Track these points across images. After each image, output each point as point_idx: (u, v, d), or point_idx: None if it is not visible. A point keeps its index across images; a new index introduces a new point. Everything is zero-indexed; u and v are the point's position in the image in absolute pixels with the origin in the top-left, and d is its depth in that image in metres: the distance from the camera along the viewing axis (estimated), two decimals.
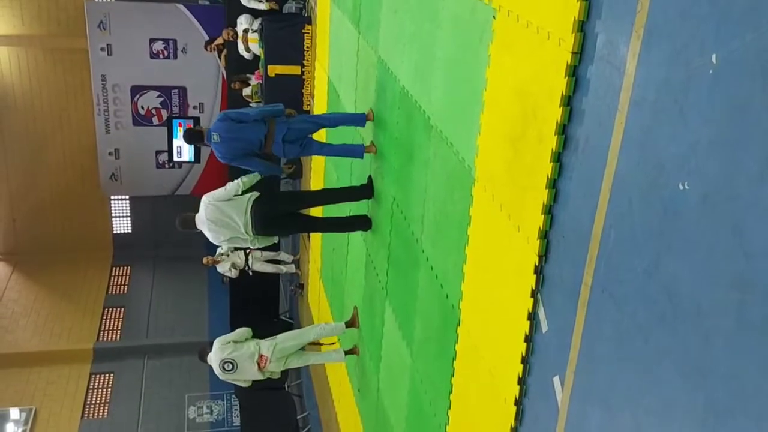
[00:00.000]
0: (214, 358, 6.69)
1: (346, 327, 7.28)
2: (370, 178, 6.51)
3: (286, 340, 6.92)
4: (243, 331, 6.87)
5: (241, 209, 5.95)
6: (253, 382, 6.91)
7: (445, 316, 4.59)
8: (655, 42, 2.48)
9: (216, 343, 6.76)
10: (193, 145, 12.21)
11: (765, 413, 2.01)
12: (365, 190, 6.48)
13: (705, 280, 2.24)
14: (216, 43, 11.96)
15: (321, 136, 7.34)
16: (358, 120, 6.43)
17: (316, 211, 7.94)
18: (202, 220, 6.07)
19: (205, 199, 6.09)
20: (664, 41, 2.44)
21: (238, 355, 6.62)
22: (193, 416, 13.15)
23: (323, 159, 9.09)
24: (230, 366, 6.61)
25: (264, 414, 11.38)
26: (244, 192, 6.03)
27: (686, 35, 2.32)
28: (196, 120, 12.97)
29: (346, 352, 7.34)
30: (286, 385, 11.75)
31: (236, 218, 5.95)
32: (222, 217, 5.97)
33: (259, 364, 6.63)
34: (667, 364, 2.42)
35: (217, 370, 6.71)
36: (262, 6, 10.65)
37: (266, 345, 6.73)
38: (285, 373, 8.36)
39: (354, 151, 6.50)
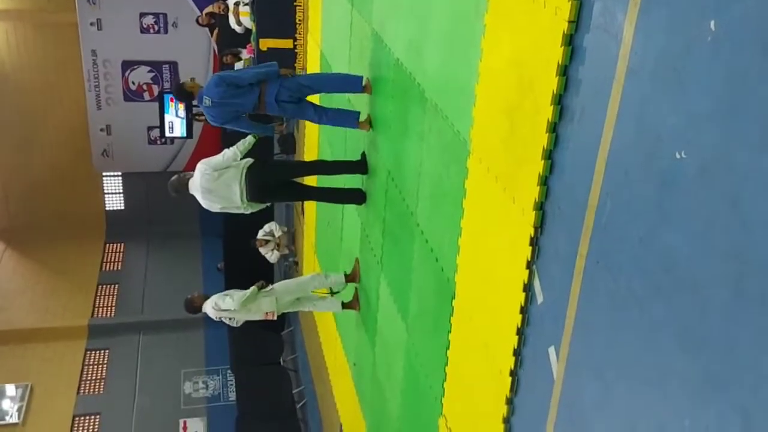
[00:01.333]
0: (211, 313, 6.58)
1: (346, 281, 7.13)
2: (363, 154, 6.46)
3: (284, 294, 6.83)
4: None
5: (236, 177, 5.92)
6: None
7: (441, 289, 4.59)
8: (653, 9, 2.45)
9: (212, 297, 6.64)
10: (184, 120, 12.15)
11: (760, 384, 2.01)
12: (359, 166, 6.45)
13: (702, 250, 2.24)
14: (206, 11, 11.83)
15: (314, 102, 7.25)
16: (355, 83, 6.17)
17: (311, 182, 7.90)
18: (196, 187, 6.03)
19: (201, 166, 6.03)
20: (662, 8, 2.40)
21: (241, 315, 6.60)
22: (189, 391, 13.21)
23: (317, 133, 9.04)
24: (230, 320, 6.63)
25: (260, 389, 11.46)
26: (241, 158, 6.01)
27: (685, 1, 2.29)
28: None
29: (345, 306, 7.16)
30: (281, 360, 11.81)
31: (232, 186, 5.91)
32: (217, 185, 5.94)
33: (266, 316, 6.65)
34: (662, 334, 2.42)
35: (212, 314, 6.63)
36: None
37: (267, 302, 6.64)
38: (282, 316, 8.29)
39: (348, 118, 6.29)
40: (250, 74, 5.89)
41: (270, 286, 6.85)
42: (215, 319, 6.70)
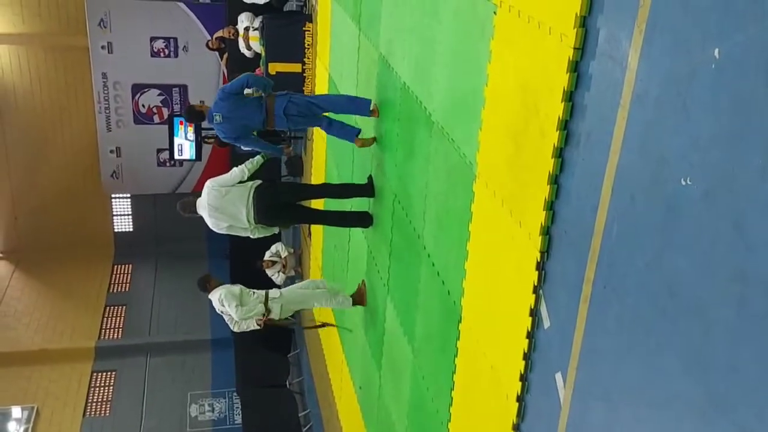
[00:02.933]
0: (216, 305, 6.51)
1: (354, 303, 7.00)
2: (370, 177, 6.49)
3: (290, 303, 6.75)
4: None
5: (243, 196, 5.95)
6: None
7: (447, 312, 4.59)
8: (657, 36, 2.47)
9: (222, 289, 6.54)
10: (193, 142, 12.22)
11: (766, 406, 2.00)
12: (366, 190, 6.47)
13: (706, 273, 2.24)
14: (216, 36, 11.94)
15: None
16: (362, 107, 6.22)
17: (318, 205, 7.93)
18: (203, 205, 6.06)
19: (209, 184, 6.08)
20: (666, 36, 2.43)
21: (239, 326, 6.53)
22: (195, 414, 13.15)
23: (324, 156, 9.09)
24: (228, 320, 6.55)
25: (265, 412, 11.39)
26: (248, 179, 6.04)
27: (689, 29, 2.31)
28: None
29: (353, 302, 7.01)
30: (287, 383, 11.76)
31: (239, 205, 5.94)
32: (224, 203, 5.96)
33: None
34: (668, 358, 2.42)
35: (216, 306, 6.55)
36: None
37: (275, 307, 6.56)
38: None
39: (349, 132, 6.36)
40: (247, 77, 5.97)
41: (279, 293, 6.75)
42: (217, 311, 6.62)
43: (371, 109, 6.12)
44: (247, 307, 6.43)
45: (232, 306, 6.40)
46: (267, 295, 6.62)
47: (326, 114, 6.33)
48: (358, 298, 7.05)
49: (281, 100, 5.93)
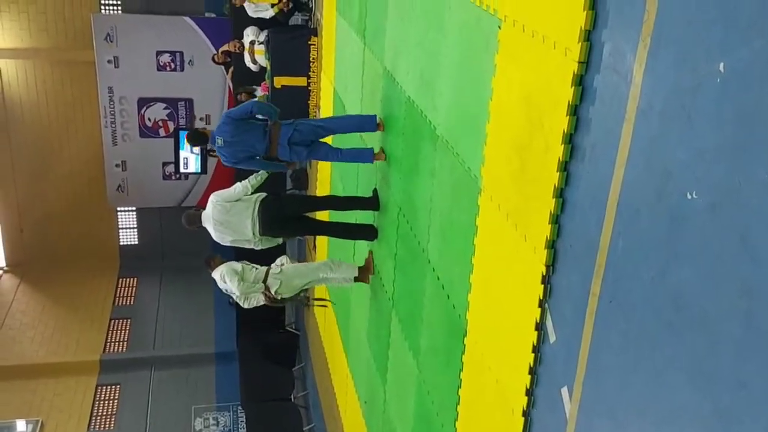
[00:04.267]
0: (219, 283, 6.40)
1: (359, 279, 6.75)
2: (375, 191, 6.49)
3: (292, 278, 6.51)
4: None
5: (248, 210, 5.96)
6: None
7: (452, 326, 4.57)
8: (662, 50, 2.48)
9: (224, 267, 6.40)
10: (199, 156, 12.27)
11: None
12: (371, 203, 6.47)
13: (712, 287, 2.23)
14: (222, 50, 12.00)
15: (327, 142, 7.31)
16: (369, 123, 6.19)
17: (323, 217, 7.93)
18: (208, 218, 6.07)
19: (213, 198, 6.09)
20: (671, 49, 2.43)
21: (246, 291, 6.34)
22: (200, 428, 13.11)
23: (329, 169, 9.10)
24: (241, 301, 6.39)
25: (270, 426, 11.34)
26: (252, 193, 6.04)
27: (693, 43, 2.31)
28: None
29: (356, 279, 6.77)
30: (292, 397, 11.73)
31: (244, 219, 5.95)
32: (228, 217, 5.97)
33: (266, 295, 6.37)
34: (675, 372, 2.40)
35: (219, 284, 6.43)
36: (270, 13, 10.68)
37: (273, 281, 6.38)
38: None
39: (363, 154, 6.31)
40: (252, 105, 6.00)
41: (279, 269, 6.57)
42: (222, 289, 6.49)
43: (377, 122, 6.13)
44: (248, 283, 6.34)
45: (234, 281, 6.29)
46: (268, 271, 6.48)
47: (332, 145, 6.35)
48: (365, 271, 6.75)
49: (286, 129, 5.92)
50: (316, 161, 10.28)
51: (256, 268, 6.48)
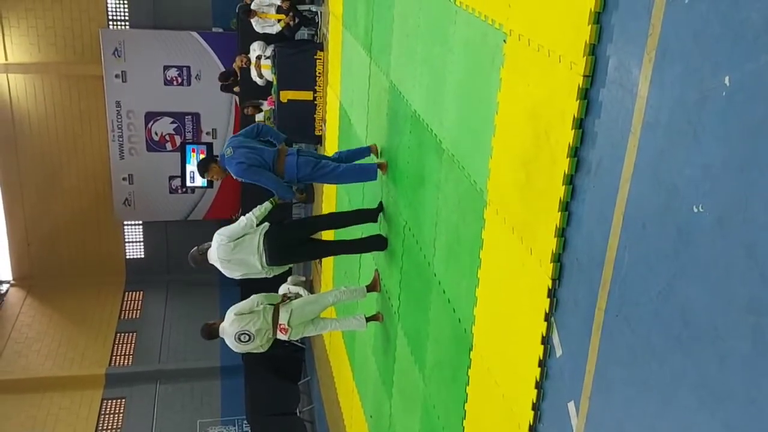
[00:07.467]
0: (229, 331, 6.20)
1: (367, 291, 6.80)
2: (381, 204, 6.50)
3: (304, 305, 6.46)
4: (256, 299, 6.34)
5: (253, 245, 5.87)
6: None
7: (458, 340, 4.56)
8: (667, 64, 2.48)
9: (229, 314, 6.28)
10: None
11: None
12: (371, 215, 6.48)
13: (720, 302, 2.22)
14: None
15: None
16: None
17: (328, 236, 7.92)
18: (214, 258, 6.03)
19: (218, 237, 5.96)
20: (676, 63, 2.43)
21: (256, 327, 6.19)
22: None
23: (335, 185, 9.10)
24: (246, 337, 6.16)
25: None
26: (257, 224, 5.98)
27: (699, 57, 2.32)
28: (209, 146, 13.06)
29: (369, 319, 6.82)
30: (298, 411, 11.69)
31: (250, 255, 5.89)
32: (234, 256, 5.92)
33: (278, 332, 6.26)
34: (682, 388, 2.39)
35: (231, 343, 6.25)
36: (276, 28, 10.74)
37: (283, 313, 6.29)
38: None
39: (367, 171, 6.36)
40: (256, 127, 6.14)
41: (288, 300, 6.51)
42: (233, 343, 6.33)
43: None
44: (260, 336, 6.27)
45: (250, 344, 6.19)
46: (277, 307, 6.34)
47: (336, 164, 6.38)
48: (372, 285, 6.81)
49: (291, 159, 5.99)
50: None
51: (259, 305, 6.34)
